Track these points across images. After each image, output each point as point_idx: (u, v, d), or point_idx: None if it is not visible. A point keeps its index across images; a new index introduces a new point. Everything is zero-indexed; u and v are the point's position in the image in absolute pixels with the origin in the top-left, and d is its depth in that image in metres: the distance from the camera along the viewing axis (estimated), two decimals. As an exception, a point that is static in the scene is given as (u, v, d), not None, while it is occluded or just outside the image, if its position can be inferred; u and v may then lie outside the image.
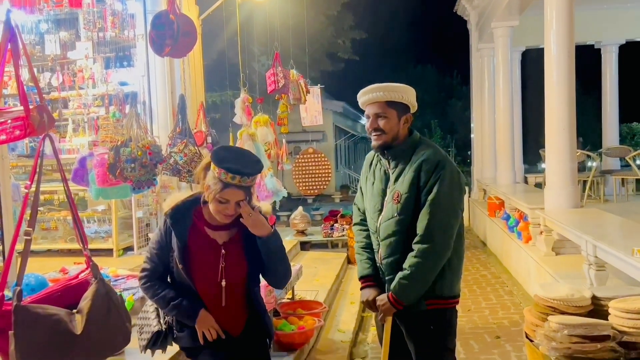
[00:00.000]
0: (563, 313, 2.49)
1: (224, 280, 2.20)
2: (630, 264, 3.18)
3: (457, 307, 2.42)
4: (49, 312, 1.78)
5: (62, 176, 2.05)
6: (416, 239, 2.22)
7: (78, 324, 1.79)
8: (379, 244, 2.37)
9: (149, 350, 2.33)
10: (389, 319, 2.36)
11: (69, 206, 2.21)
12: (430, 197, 2.20)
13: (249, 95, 5.00)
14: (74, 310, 1.85)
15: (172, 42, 3.37)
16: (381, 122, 2.31)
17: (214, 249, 2.22)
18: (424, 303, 2.29)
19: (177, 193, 2.41)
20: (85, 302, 1.86)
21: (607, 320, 2.40)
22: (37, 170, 1.96)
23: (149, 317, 2.35)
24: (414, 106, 2.38)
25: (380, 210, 2.35)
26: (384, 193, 2.36)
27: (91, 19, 5.97)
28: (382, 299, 2.32)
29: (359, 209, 2.56)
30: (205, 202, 2.22)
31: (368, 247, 2.47)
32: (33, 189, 2.04)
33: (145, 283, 2.25)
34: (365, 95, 2.34)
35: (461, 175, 2.33)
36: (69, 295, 1.93)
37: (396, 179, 2.31)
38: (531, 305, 2.78)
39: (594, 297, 2.57)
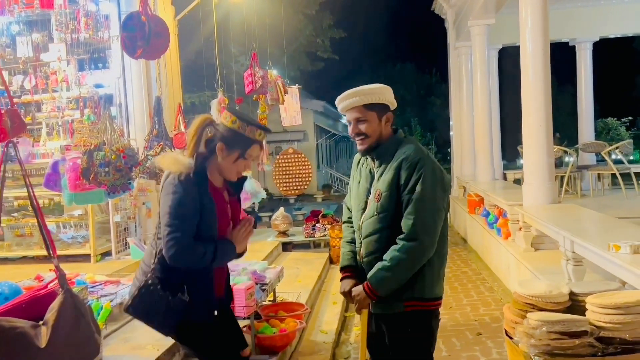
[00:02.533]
0: (542, 310, 2.49)
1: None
2: (606, 259, 3.22)
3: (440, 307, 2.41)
4: (12, 324, 1.71)
5: (26, 183, 1.98)
6: (402, 235, 2.21)
7: (43, 336, 1.72)
8: (360, 242, 2.39)
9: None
10: (365, 312, 2.37)
11: (41, 212, 2.12)
12: (414, 197, 2.19)
13: (226, 96, 4.95)
14: (41, 322, 1.79)
15: (143, 44, 3.30)
16: (362, 126, 2.32)
17: (226, 209, 2.31)
18: (402, 305, 2.28)
19: (174, 155, 2.28)
20: (51, 314, 1.79)
21: (585, 315, 2.41)
22: (1, 177, 1.89)
23: (158, 296, 2.15)
24: (393, 104, 2.38)
25: (364, 209, 2.36)
26: (368, 192, 2.37)
27: (64, 20, 5.84)
28: (358, 289, 2.33)
29: (347, 208, 2.58)
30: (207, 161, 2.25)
31: (353, 241, 2.49)
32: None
33: (183, 253, 2.08)
34: (343, 102, 2.34)
35: (444, 173, 2.32)
36: (37, 306, 1.86)
37: (379, 178, 2.32)
38: (510, 302, 2.79)
39: (571, 293, 2.58)
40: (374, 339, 2.45)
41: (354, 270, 2.43)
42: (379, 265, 2.25)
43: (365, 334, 2.41)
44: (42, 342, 1.70)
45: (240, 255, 2.36)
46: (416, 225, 2.18)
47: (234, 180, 2.32)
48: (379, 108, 2.33)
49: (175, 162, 2.17)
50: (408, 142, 2.36)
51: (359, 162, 2.51)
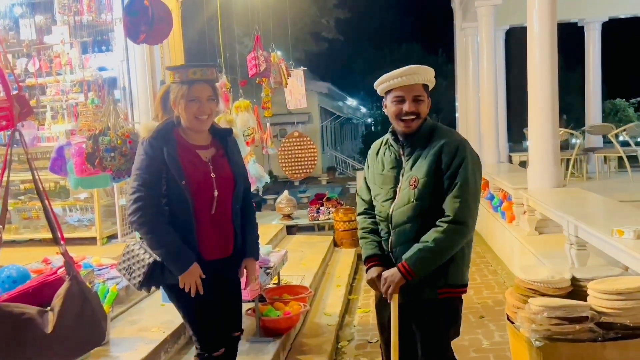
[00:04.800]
0: (543, 295, 2.51)
1: (216, 190, 2.32)
2: (610, 244, 3.22)
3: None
4: (21, 310, 1.76)
5: (32, 168, 2.01)
6: (445, 218, 2.16)
7: (50, 322, 1.76)
8: (389, 232, 2.31)
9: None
10: (396, 297, 2.27)
11: (48, 199, 2.15)
12: (459, 181, 2.16)
13: (228, 81, 4.92)
14: (48, 308, 1.83)
15: (147, 28, 3.29)
16: (420, 106, 2.24)
17: (203, 164, 2.33)
18: (436, 292, 2.27)
19: (147, 122, 2.47)
20: (57, 300, 1.83)
21: (587, 301, 2.43)
22: (7, 163, 1.91)
23: (137, 254, 2.30)
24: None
25: (392, 198, 2.28)
26: (396, 180, 2.28)
27: (66, 2, 5.82)
28: (390, 271, 2.24)
29: (363, 200, 2.49)
30: (179, 123, 2.34)
31: (373, 231, 2.41)
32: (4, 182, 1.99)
33: (142, 217, 2.19)
34: (398, 78, 2.22)
35: (479, 158, 2.33)
36: (46, 291, 1.90)
37: (412, 165, 2.24)
38: (513, 286, 2.81)
39: (573, 279, 2.59)
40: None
41: (380, 259, 2.35)
42: (418, 245, 2.18)
43: (397, 321, 2.29)
44: (49, 327, 1.75)
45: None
46: (463, 209, 2.15)
47: (201, 127, 2.34)
48: (429, 90, 2.30)
49: (144, 128, 2.34)
50: (442, 128, 2.32)
51: (378, 151, 2.41)
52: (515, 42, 11.32)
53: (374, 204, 2.40)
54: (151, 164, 2.23)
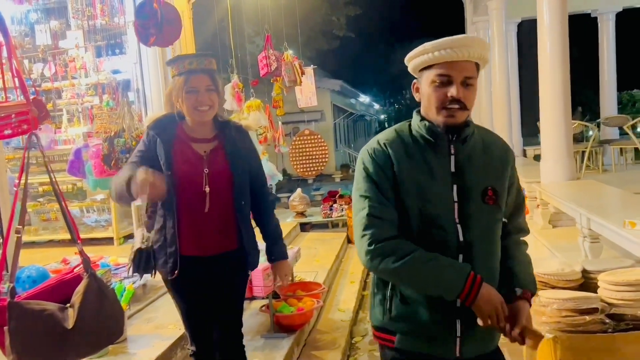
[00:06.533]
0: (554, 287, 2.52)
1: (207, 186, 2.25)
2: (622, 236, 3.20)
3: None
4: (42, 307, 1.83)
5: (48, 170, 2.07)
6: (523, 234, 1.78)
7: (70, 318, 1.84)
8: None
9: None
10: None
11: (64, 199, 2.22)
12: (517, 187, 1.74)
13: (240, 81, 4.98)
14: (68, 305, 1.90)
15: (156, 31, 3.35)
16: (469, 93, 1.57)
17: (198, 158, 2.29)
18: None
19: (154, 113, 2.56)
20: (77, 297, 1.90)
21: (597, 293, 2.43)
22: (25, 166, 1.98)
23: (134, 240, 2.42)
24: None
25: (454, 220, 1.57)
26: (449, 195, 1.59)
27: (80, 7, 5.92)
28: (523, 309, 1.58)
29: (385, 220, 1.56)
30: (182, 117, 2.31)
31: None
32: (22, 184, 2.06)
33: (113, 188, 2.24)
34: (447, 49, 1.54)
35: None
36: (64, 289, 1.97)
37: (469, 171, 1.60)
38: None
39: (584, 271, 2.60)
40: None
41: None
42: (523, 268, 1.70)
43: None
44: (70, 323, 1.82)
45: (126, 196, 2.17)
46: (525, 219, 1.81)
47: (202, 119, 2.26)
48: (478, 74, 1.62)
49: (148, 119, 2.48)
50: (478, 125, 1.71)
51: (406, 152, 1.60)
52: (527, 35, 11.22)
53: (419, 228, 1.58)
54: (144, 150, 2.28)
